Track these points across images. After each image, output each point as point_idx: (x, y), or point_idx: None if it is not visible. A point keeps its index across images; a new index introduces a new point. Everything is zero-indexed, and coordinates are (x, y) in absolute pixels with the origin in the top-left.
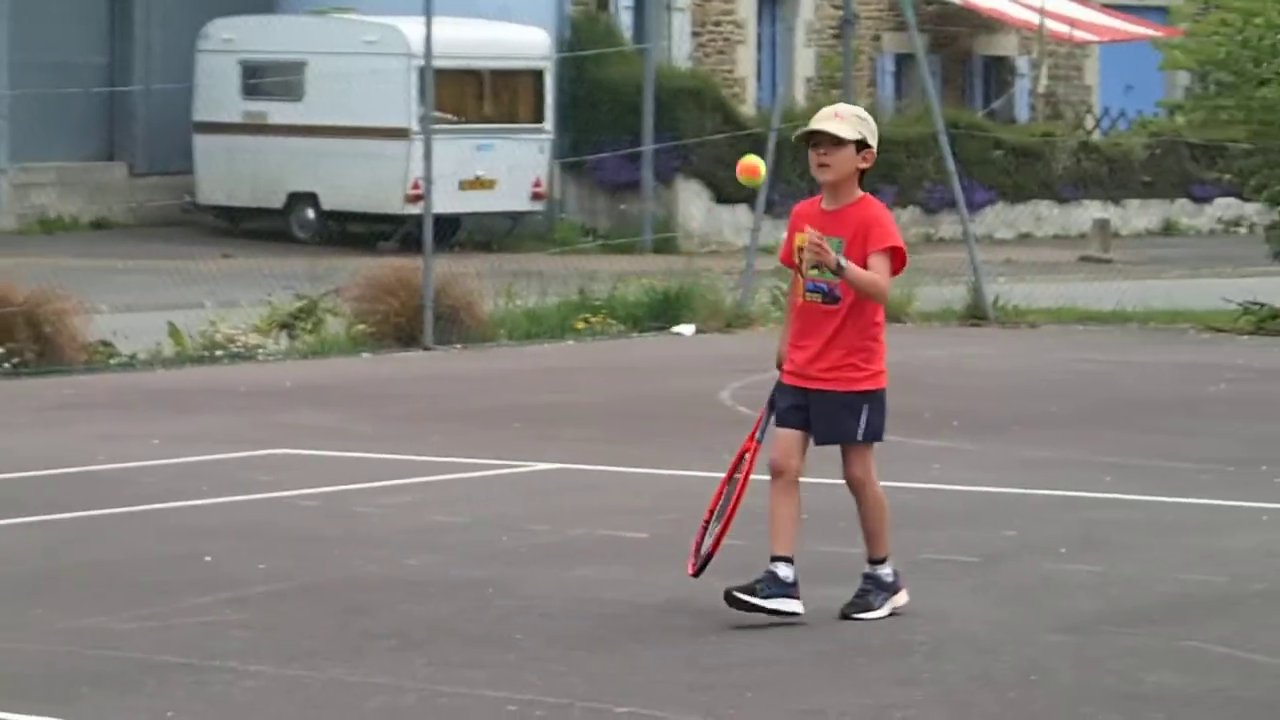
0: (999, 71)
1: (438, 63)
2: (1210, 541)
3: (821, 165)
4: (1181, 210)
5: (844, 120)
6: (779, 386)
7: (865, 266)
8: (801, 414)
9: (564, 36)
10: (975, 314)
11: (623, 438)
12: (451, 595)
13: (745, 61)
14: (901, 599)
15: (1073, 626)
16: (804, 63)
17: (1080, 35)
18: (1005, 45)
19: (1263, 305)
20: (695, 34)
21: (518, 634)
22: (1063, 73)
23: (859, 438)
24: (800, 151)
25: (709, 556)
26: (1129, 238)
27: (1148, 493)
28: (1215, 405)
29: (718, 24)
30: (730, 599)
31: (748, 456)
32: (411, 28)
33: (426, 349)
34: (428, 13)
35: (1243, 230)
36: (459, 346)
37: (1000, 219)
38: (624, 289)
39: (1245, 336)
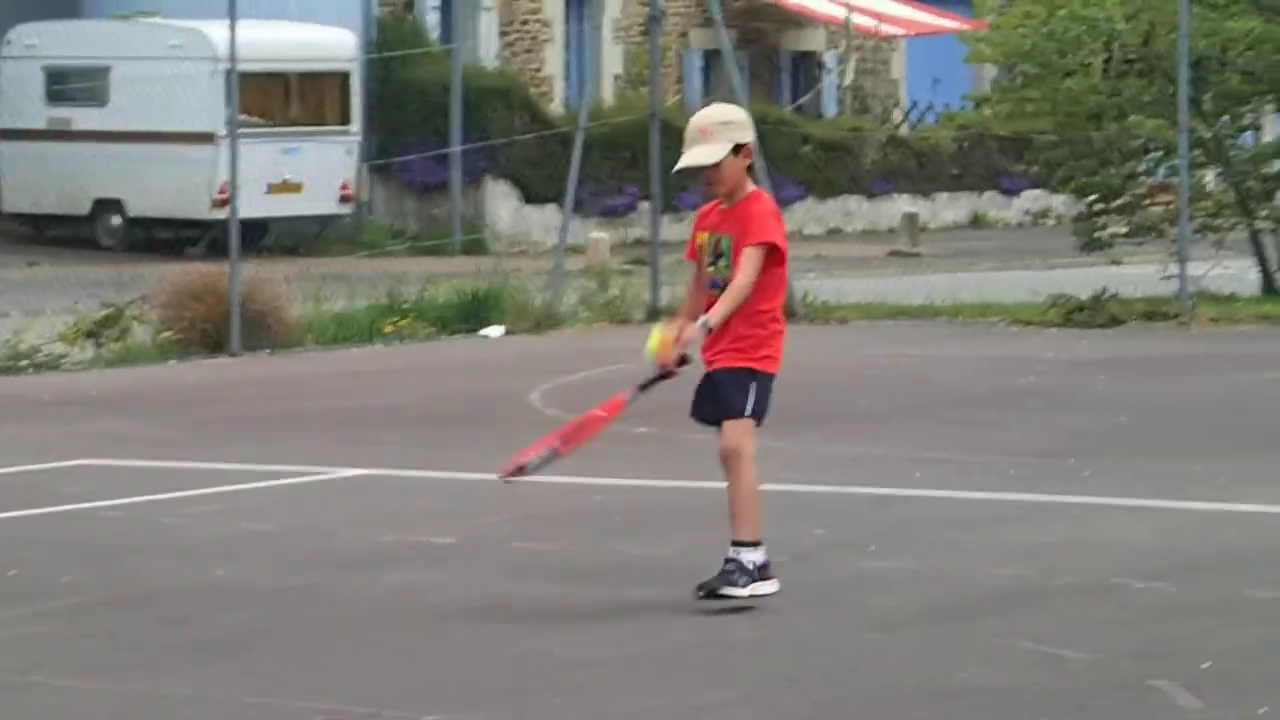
0: (807, 66)
1: (243, 66)
2: (1020, 536)
3: (709, 185)
4: (990, 203)
5: (711, 137)
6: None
7: None
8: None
9: (370, 37)
10: (784, 310)
11: (432, 441)
12: (261, 604)
13: (553, 60)
14: (767, 587)
15: (883, 624)
16: (611, 60)
17: (887, 29)
18: (812, 40)
19: (1071, 297)
20: (502, 33)
21: (328, 642)
22: (870, 67)
23: (746, 412)
24: (606, 149)
25: (521, 468)
26: (938, 231)
27: (958, 488)
28: (1025, 398)
29: (524, 23)
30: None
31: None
32: (216, 31)
33: (234, 355)
34: (232, 16)
35: (1050, 222)
36: (267, 352)
37: (809, 214)
38: (433, 291)
39: (1054, 329)
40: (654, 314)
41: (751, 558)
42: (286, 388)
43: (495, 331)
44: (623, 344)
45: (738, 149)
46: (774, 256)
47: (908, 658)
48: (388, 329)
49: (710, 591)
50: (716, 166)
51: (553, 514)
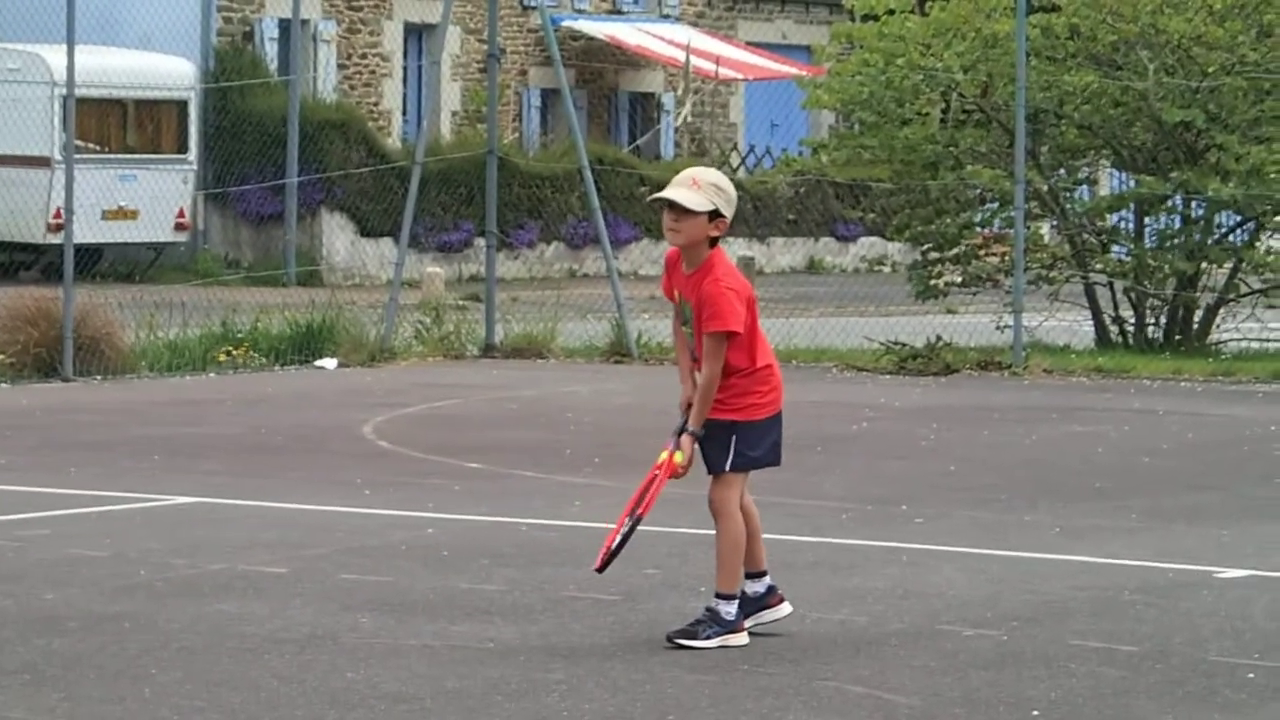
0: (645, 107)
1: (81, 91)
2: (850, 581)
3: (671, 230)
4: (825, 249)
5: (699, 190)
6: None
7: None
8: None
9: (209, 67)
10: (618, 351)
11: (263, 472)
12: (89, 630)
13: (391, 94)
14: (739, 640)
15: (711, 665)
16: (450, 96)
17: (725, 73)
18: (651, 81)
19: (904, 345)
20: (341, 66)
21: (154, 669)
22: (708, 109)
23: (726, 468)
24: (443, 184)
25: (613, 552)
26: (773, 275)
27: (788, 532)
28: (856, 444)
29: (364, 56)
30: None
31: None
32: (54, 56)
33: (66, 380)
34: (70, 41)
35: (886, 269)
36: (99, 378)
37: (645, 255)
38: (266, 321)
39: (887, 376)
40: (488, 349)
41: (728, 610)
42: (119, 414)
43: (329, 363)
44: (456, 379)
45: (714, 215)
46: (729, 337)
47: (735, 699)
48: (221, 358)
49: (674, 640)
50: (688, 212)
51: (383, 546)
